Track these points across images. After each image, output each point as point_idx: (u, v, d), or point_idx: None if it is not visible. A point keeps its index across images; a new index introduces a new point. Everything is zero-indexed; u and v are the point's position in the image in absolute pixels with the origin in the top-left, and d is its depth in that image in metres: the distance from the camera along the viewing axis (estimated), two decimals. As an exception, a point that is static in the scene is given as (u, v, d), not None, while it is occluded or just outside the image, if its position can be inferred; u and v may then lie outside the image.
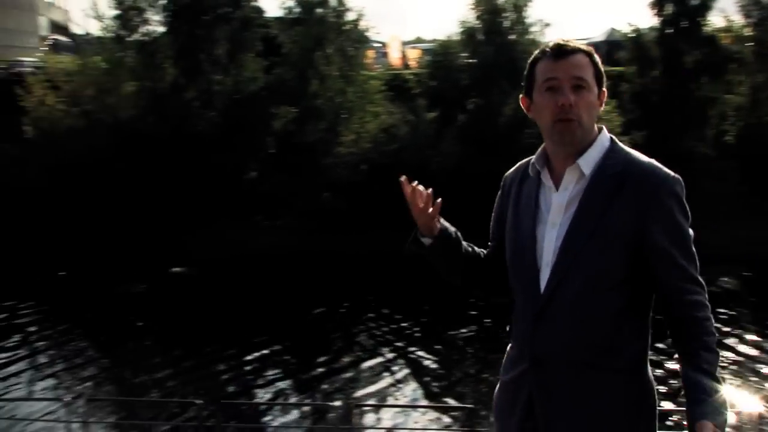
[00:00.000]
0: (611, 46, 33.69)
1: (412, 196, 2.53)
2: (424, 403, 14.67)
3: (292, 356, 18.01)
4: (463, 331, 18.96)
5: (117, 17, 31.27)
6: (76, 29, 38.65)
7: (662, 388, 11.92)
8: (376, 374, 16.44)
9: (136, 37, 31.34)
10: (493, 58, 29.61)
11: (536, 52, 2.58)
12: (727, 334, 16.94)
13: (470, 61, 30.90)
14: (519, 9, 30.83)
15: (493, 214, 2.81)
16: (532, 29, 30.86)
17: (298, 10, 31.38)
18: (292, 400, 15.21)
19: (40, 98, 30.21)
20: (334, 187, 28.12)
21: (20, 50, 54.54)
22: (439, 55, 31.79)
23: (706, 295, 2.44)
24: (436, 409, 13.61)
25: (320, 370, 16.74)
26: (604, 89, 2.57)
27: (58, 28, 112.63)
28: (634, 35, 30.86)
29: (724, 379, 2.36)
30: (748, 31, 30.16)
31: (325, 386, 15.74)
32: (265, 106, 29.31)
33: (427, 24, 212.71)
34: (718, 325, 2.64)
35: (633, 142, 20.73)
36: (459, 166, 27.06)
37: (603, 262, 2.41)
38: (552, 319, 2.44)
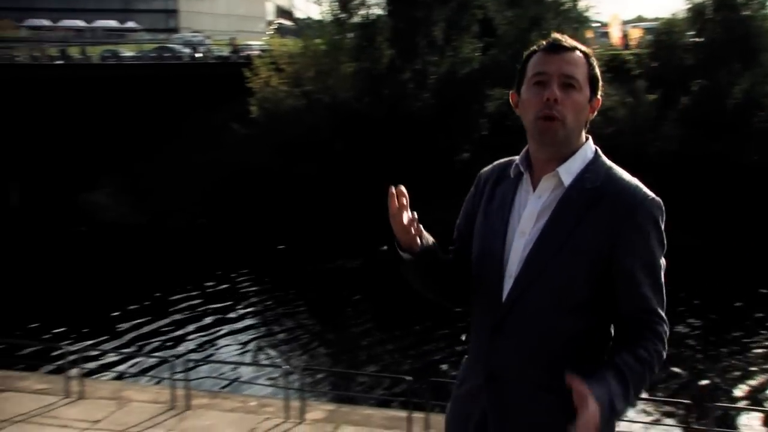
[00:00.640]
0: None
1: (397, 212, 2.30)
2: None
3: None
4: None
5: (338, 1, 32.35)
6: (299, 13, 40.18)
7: None
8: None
9: (355, 20, 32.33)
10: (724, 36, 27.96)
11: (532, 48, 2.42)
12: None
13: (697, 40, 29.39)
14: (755, -18, 28.91)
15: (461, 213, 2.58)
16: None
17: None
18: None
19: (266, 80, 31.85)
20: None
21: (249, 35, 57.78)
22: (663, 34, 30.49)
23: (667, 334, 2.23)
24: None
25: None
26: (599, 96, 2.37)
27: (283, 12, 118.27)
28: None
29: (635, 404, 2.01)
30: None
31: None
32: (480, 88, 29.32)
33: (649, 2, 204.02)
34: None
35: None
36: (681, 149, 25.90)
37: (567, 278, 2.23)
38: (510, 334, 2.28)
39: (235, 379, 13.76)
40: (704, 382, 11.19)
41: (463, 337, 2.57)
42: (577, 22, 31.69)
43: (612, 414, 2.05)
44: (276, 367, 14.36)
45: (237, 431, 9.28)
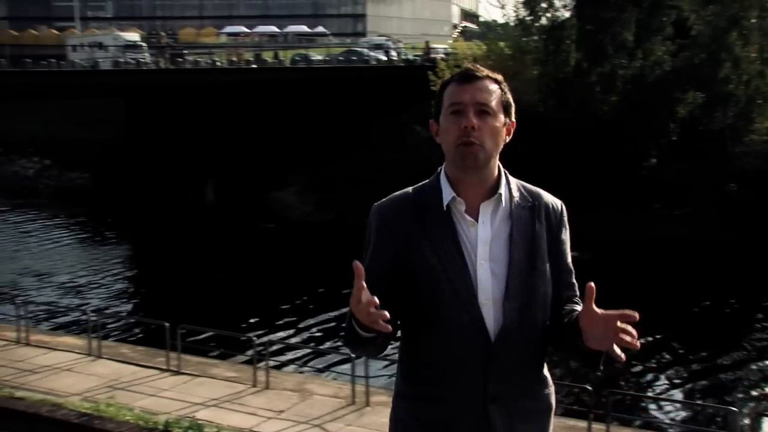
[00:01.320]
0: None
1: (361, 293, 2.19)
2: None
3: (673, 350, 17.29)
4: None
5: (523, 3, 32.08)
6: (484, 17, 40.24)
7: None
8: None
9: (541, 22, 31.94)
10: None
11: (446, 79, 2.56)
12: None
13: None
14: None
15: (373, 254, 2.48)
16: None
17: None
18: (677, 396, 14.62)
19: (449, 83, 32.02)
20: (741, 178, 26.38)
21: (434, 38, 58.28)
22: None
23: None
24: None
25: (705, 366, 15.93)
26: (513, 120, 2.54)
27: (468, 16, 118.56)
28: None
29: None
30: None
31: (710, 385, 14.95)
32: (670, 91, 28.24)
33: None
34: None
35: None
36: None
37: (544, 291, 2.45)
38: (507, 356, 2.40)
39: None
40: None
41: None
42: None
43: None
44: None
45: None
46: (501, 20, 35.27)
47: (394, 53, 49.91)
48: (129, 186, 36.81)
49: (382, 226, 2.50)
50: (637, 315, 2.15)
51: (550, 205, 2.53)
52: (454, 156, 2.45)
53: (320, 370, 14.20)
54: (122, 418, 7.05)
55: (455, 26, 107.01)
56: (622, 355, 2.19)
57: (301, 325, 18.51)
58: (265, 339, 10.75)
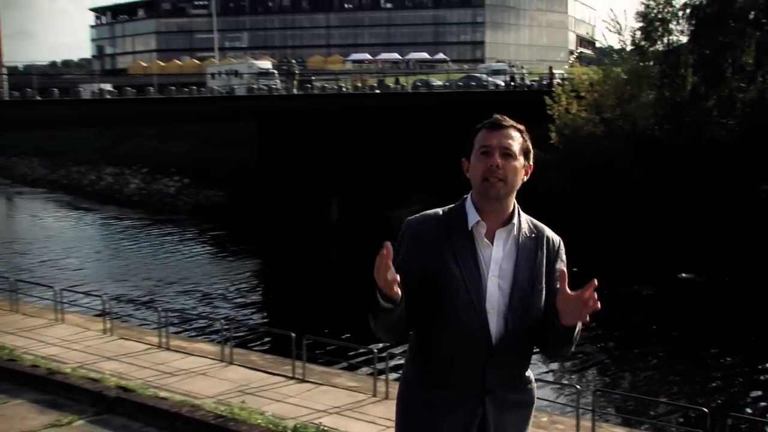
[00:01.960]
0: None
1: (385, 268, 2.59)
2: None
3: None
4: None
5: (640, 29, 31.36)
6: (600, 43, 39.52)
7: None
8: None
9: (657, 48, 31.13)
10: None
11: (478, 125, 2.93)
12: None
13: None
14: None
15: (406, 257, 2.86)
16: None
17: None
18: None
19: (566, 107, 31.58)
20: None
21: (551, 63, 57.61)
22: None
23: None
24: None
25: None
26: (531, 163, 2.92)
27: (584, 42, 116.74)
28: None
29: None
30: None
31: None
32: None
33: None
34: None
35: None
36: None
37: (538, 305, 2.85)
38: (504, 355, 2.81)
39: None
40: None
41: (412, 362, 2.52)
42: None
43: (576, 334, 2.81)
44: (569, 386, 14.11)
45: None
46: (617, 46, 34.56)
47: (509, 78, 49.56)
48: (260, 203, 37.78)
49: (415, 236, 2.91)
50: (596, 282, 2.60)
51: (551, 240, 2.95)
52: (480, 188, 2.84)
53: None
54: (254, 421, 7.19)
55: (571, 52, 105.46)
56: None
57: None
58: (385, 353, 10.78)
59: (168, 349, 12.36)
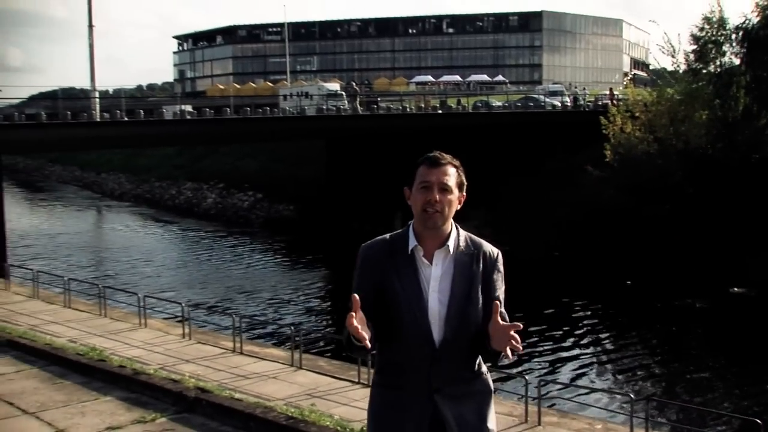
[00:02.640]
0: None
1: (356, 318, 2.78)
2: None
3: None
4: None
5: (693, 51, 30.81)
6: (654, 64, 38.95)
7: None
8: None
9: (710, 68, 30.54)
10: None
11: (420, 159, 3.16)
12: None
13: None
14: None
15: (361, 281, 3.12)
16: None
17: None
18: None
19: (621, 127, 31.19)
20: None
21: (606, 85, 56.85)
22: None
23: None
24: None
25: None
26: (464, 193, 3.18)
27: (638, 64, 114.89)
28: None
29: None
30: None
31: None
32: None
33: None
34: None
35: None
36: None
37: (475, 316, 3.06)
38: (446, 360, 3.04)
39: (583, 402, 13.47)
40: None
41: (378, 369, 2.68)
42: None
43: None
44: (623, 395, 13.86)
45: (584, 451, 9.08)
46: (670, 68, 33.97)
47: (568, 99, 49.08)
48: (328, 217, 38.09)
49: (365, 260, 3.18)
50: (521, 325, 2.79)
51: (488, 253, 3.15)
52: (420, 217, 3.11)
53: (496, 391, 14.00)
54: (323, 423, 7.26)
55: (626, 74, 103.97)
56: (510, 355, 2.85)
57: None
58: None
59: (241, 353, 12.50)
